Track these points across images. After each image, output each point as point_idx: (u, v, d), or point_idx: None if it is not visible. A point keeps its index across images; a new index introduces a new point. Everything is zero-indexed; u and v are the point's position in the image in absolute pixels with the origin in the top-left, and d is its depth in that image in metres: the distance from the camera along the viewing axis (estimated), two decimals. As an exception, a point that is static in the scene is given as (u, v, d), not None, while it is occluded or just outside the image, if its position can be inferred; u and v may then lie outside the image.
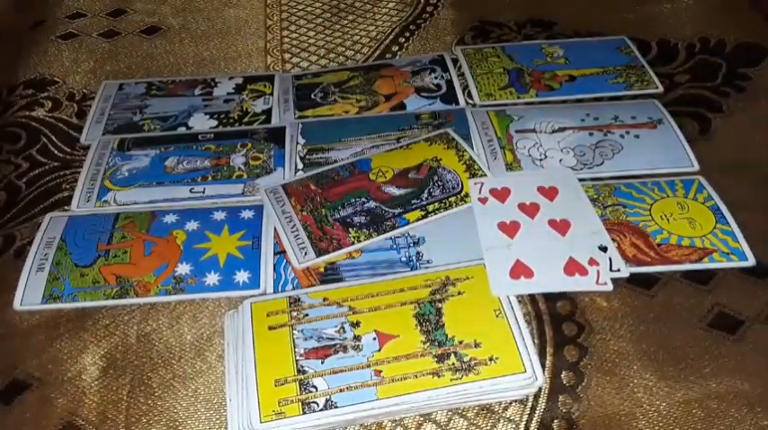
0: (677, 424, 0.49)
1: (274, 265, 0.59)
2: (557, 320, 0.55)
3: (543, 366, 0.52)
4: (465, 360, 0.50)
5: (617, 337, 0.54)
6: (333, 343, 0.52)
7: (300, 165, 0.68)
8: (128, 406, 0.51)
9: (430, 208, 0.62)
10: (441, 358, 0.50)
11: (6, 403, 0.51)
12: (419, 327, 0.52)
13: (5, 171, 0.70)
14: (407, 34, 0.87)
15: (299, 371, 0.50)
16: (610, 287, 0.56)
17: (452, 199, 0.63)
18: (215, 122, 0.74)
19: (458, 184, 0.64)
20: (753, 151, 0.69)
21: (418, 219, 0.61)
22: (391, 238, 0.60)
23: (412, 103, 0.75)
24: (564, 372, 0.52)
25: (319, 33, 0.88)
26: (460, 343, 0.51)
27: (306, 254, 0.59)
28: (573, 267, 0.57)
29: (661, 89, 0.76)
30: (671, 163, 0.67)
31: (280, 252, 0.60)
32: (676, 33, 0.84)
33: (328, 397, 0.48)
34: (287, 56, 0.85)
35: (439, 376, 0.49)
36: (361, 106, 0.75)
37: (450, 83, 0.78)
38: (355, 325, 0.53)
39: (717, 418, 0.49)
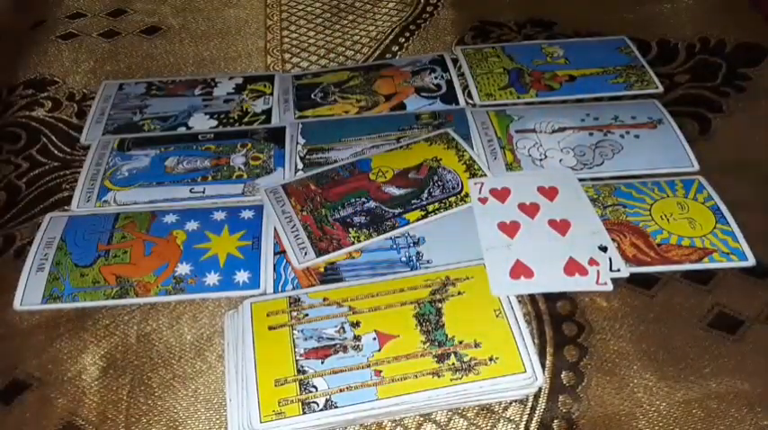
0: (677, 424, 0.49)
1: (274, 265, 0.59)
2: (557, 320, 0.55)
3: (543, 366, 0.52)
4: (465, 360, 0.50)
5: (617, 337, 0.54)
6: (333, 343, 0.52)
7: (300, 165, 0.68)
8: (128, 406, 0.51)
9: (430, 208, 0.62)
10: (441, 358, 0.50)
11: (6, 403, 0.51)
12: (419, 327, 0.52)
13: (5, 171, 0.70)
14: (407, 34, 0.87)
15: (299, 371, 0.50)
16: (610, 287, 0.56)
17: (452, 199, 0.63)
18: (215, 122, 0.74)
19: (458, 184, 0.64)
20: (753, 151, 0.69)
21: (418, 219, 0.61)
22: (391, 238, 0.60)
23: (412, 103, 0.75)
24: (564, 372, 0.52)
25: (319, 33, 0.88)
26: (460, 343, 0.51)
27: (306, 254, 0.59)
28: (573, 267, 0.57)
29: (661, 89, 0.76)
30: (671, 163, 0.67)
31: (280, 252, 0.60)
32: (676, 33, 0.84)
33: (328, 397, 0.48)
34: (287, 56, 0.85)
35: (439, 376, 0.49)
36: (361, 106, 0.75)
37: (450, 83, 0.78)
38: (355, 325, 0.53)
39: (717, 418, 0.49)
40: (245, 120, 0.74)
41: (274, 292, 0.57)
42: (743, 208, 0.62)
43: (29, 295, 0.57)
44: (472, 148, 0.68)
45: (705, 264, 0.58)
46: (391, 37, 0.87)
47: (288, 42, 0.87)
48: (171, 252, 0.60)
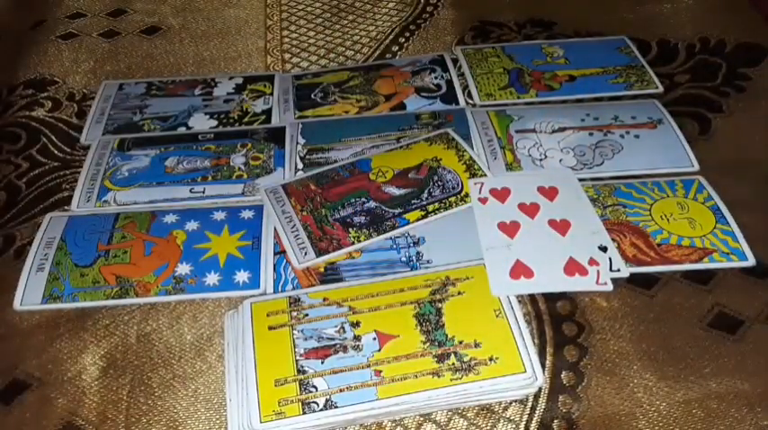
0: (677, 424, 0.49)
1: (274, 265, 0.59)
2: (557, 320, 0.55)
3: (543, 366, 0.52)
4: (465, 360, 0.50)
5: (617, 337, 0.54)
6: (333, 343, 0.52)
7: (300, 165, 0.68)
8: (128, 406, 0.51)
9: (430, 208, 0.62)
10: (441, 358, 0.50)
11: (6, 403, 0.51)
12: (419, 327, 0.52)
13: (5, 171, 0.70)
14: (407, 34, 0.87)
15: (299, 371, 0.50)
16: (610, 287, 0.56)
17: (452, 199, 0.63)
18: (215, 122, 0.74)
19: (458, 184, 0.64)
20: (753, 151, 0.69)
21: (418, 219, 0.61)
22: (391, 238, 0.60)
23: (412, 103, 0.75)
24: (564, 372, 0.52)
25: (319, 33, 0.88)
26: (460, 343, 0.51)
27: (306, 254, 0.59)
28: (573, 267, 0.57)
29: (661, 89, 0.76)
30: (671, 163, 0.67)
31: (280, 252, 0.60)
32: (676, 33, 0.84)
33: (328, 397, 0.48)
34: (287, 56, 0.85)
35: (439, 376, 0.49)
36: (361, 106, 0.75)
37: (450, 83, 0.78)
38: (355, 325, 0.53)
39: (717, 418, 0.49)
40: (245, 120, 0.74)
41: (274, 292, 0.57)
42: (743, 208, 0.62)
43: (29, 295, 0.57)
44: (472, 148, 0.68)
45: (705, 264, 0.58)
46: (391, 37, 0.87)
47: (288, 42, 0.87)
48: (171, 252, 0.60)
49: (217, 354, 0.54)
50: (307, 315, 0.54)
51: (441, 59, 0.81)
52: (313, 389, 0.49)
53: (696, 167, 0.66)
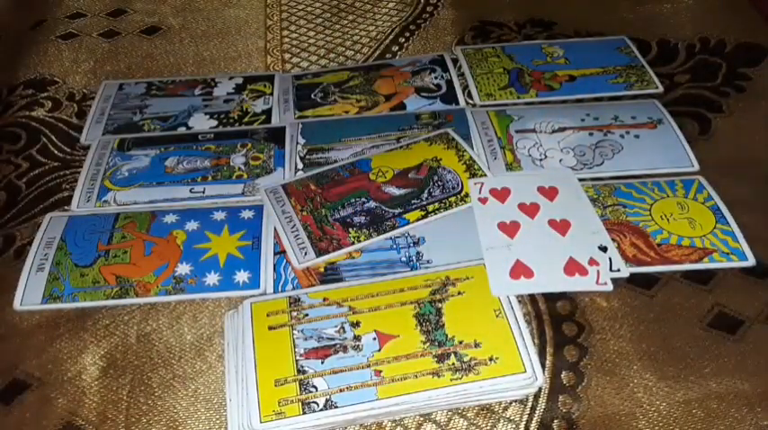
0: (677, 424, 0.49)
1: (274, 265, 0.59)
2: (557, 320, 0.55)
3: (543, 366, 0.52)
4: (465, 360, 0.50)
5: (617, 337, 0.54)
6: (333, 343, 0.52)
7: (300, 165, 0.68)
8: (128, 406, 0.51)
9: (430, 208, 0.62)
10: (441, 358, 0.50)
11: (6, 403, 0.51)
12: (419, 327, 0.52)
13: (5, 171, 0.70)
14: (407, 34, 0.87)
15: (299, 371, 0.50)
16: (610, 287, 0.56)
17: (452, 199, 0.63)
18: (215, 122, 0.74)
19: (458, 184, 0.64)
20: (753, 151, 0.70)
21: (418, 219, 0.61)
22: (391, 238, 0.60)
23: (412, 103, 0.75)
24: (564, 372, 0.52)
25: (319, 33, 0.88)
26: (460, 343, 0.51)
27: (306, 254, 0.59)
28: (573, 267, 0.57)
29: (661, 89, 0.76)
30: (671, 163, 0.67)
31: (280, 252, 0.60)
32: (676, 33, 0.84)
33: (328, 397, 0.48)
34: (287, 56, 0.85)
35: (439, 376, 0.49)
36: (361, 106, 0.75)
37: (450, 83, 0.78)
38: (355, 325, 0.53)
39: (717, 418, 0.49)
40: (245, 120, 0.74)
41: (274, 292, 0.57)
42: (743, 208, 0.62)
43: (29, 295, 0.57)
44: (472, 148, 0.68)
45: (705, 264, 0.58)
46: (391, 37, 0.87)
47: (288, 42, 0.87)
48: (171, 252, 0.60)
49: (217, 354, 0.54)
50: (307, 315, 0.54)
51: (441, 59, 0.81)
52: (313, 389, 0.49)
53: (696, 167, 0.66)
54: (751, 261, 0.58)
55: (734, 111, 0.74)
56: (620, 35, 0.84)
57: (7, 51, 0.86)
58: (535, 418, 0.50)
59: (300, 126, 0.72)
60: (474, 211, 0.62)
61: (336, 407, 0.48)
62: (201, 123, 0.74)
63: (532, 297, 0.57)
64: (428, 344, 0.51)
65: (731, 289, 0.57)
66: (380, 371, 0.50)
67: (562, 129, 0.71)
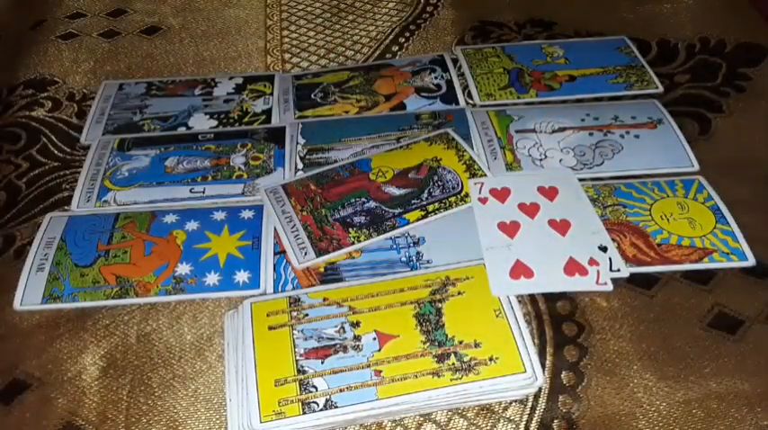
0: (677, 424, 0.49)
1: (274, 265, 0.59)
2: (557, 320, 0.55)
3: (543, 366, 0.52)
4: (465, 360, 0.50)
5: (617, 337, 0.54)
6: (333, 343, 0.52)
7: (300, 165, 0.68)
8: (128, 406, 0.51)
9: (430, 208, 0.62)
10: (441, 358, 0.50)
11: (6, 403, 0.51)
12: (419, 327, 0.52)
13: (5, 171, 0.70)
14: (407, 34, 0.87)
15: (299, 371, 0.50)
16: (610, 287, 0.56)
17: (452, 199, 0.63)
18: (215, 122, 0.74)
19: (458, 184, 0.64)
20: (753, 151, 0.70)
21: (418, 219, 0.61)
22: (391, 238, 0.60)
23: (412, 103, 0.75)
24: (564, 372, 0.52)
25: (319, 33, 0.88)
26: (460, 343, 0.51)
27: (306, 254, 0.59)
28: (573, 267, 0.57)
29: (661, 89, 0.76)
30: (671, 163, 0.67)
31: (280, 252, 0.60)
32: (676, 33, 0.84)
33: (328, 397, 0.48)
34: (287, 56, 0.85)
35: (439, 376, 0.49)
36: (361, 106, 0.75)
37: (450, 83, 0.78)
38: (355, 325, 0.53)
39: (717, 418, 0.49)
40: (245, 120, 0.74)
41: (274, 292, 0.57)
42: (743, 208, 0.62)
43: (29, 295, 0.57)
44: (472, 148, 0.68)
45: (705, 264, 0.58)
46: (391, 37, 0.87)
47: (288, 42, 0.87)
48: (171, 252, 0.60)
49: (217, 354, 0.54)
50: (307, 315, 0.54)
51: (441, 59, 0.81)
52: (313, 389, 0.49)
53: (696, 167, 0.66)
54: (751, 261, 0.58)
55: (734, 111, 0.74)
56: (620, 35, 0.84)
57: (7, 51, 0.86)
58: (535, 418, 0.50)
59: (300, 126, 0.72)
60: (474, 211, 0.62)
61: (336, 407, 0.48)
62: (201, 123, 0.74)
63: (532, 297, 0.57)
64: (428, 344, 0.51)
65: (731, 289, 0.57)
66: (380, 371, 0.50)
67: (562, 129, 0.71)
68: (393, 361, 0.50)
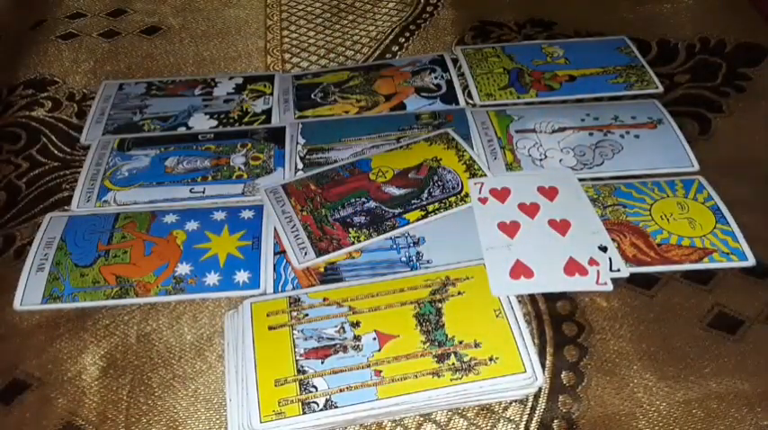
0: (677, 424, 0.49)
1: (274, 265, 0.59)
2: (557, 320, 0.55)
3: (543, 366, 0.52)
4: (465, 360, 0.50)
5: (617, 337, 0.54)
6: (333, 343, 0.52)
7: (300, 165, 0.68)
8: (128, 406, 0.51)
9: (430, 208, 0.62)
10: (441, 358, 0.50)
11: (6, 403, 0.51)
12: (419, 327, 0.52)
13: (5, 171, 0.70)
14: (407, 34, 0.87)
15: (299, 371, 0.50)
16: (610, 287, 0.56)
17: (452, 199, 0.63)
18: (215, 122, 0.74)
19: (458, 184, 0.64)
20: (753, 151, 0.70)
21: (418, 219, 0.61)
22: (391, 238, 0.60)
23: (412, 103, 0.75)
24: (564, 372, 0.52)
25: (319, 33, 0.88)
26: (460, 343, 0.51)
27: (306, 254, 0.59)
28: (573, 267, 0.57)
29: (661, 89, 0.76)
30: (671, 163, 0.67)
31: (280, 252, 0.60)
32: (676, 33, 0.84)
33: (328, 397, 0.48)
34: (287, 56, 0.85)
35: (439, 376, 0.49)
36: (361, 106, 0.75)
37: (450, 83, 0.78)
38: (355, 325, 0.53)
39: (717, 418, 0.49)
40: (245, 120, 0.74)
41: (274, 292, 0.57)
42: (743, 208, 0.62)
43: (29, 295, 0.57)
44: (472, 148, 0.68)
45: (705, 264, 0.58)
46: (391, 37, 0.87)
47: (288, 42, 0.87)
48: (171, 252, 0.60)
49: (217, 354, 0.54)
50: (307, 315, 0.54)
51: (441, 59, 0.81)
52: (313, 389, 0.49)
53: (696, 167, 0.66)
54: (751, 261, 0.58)
55: (734, 111, 0.74)
56: (620, 35, 0.84)
57: (7, 51, 0.86)
58: (535, 418, 0.50)
59: (300, 126, 0.72)
60: (474, 211, 0.62)
61: (336, 407, 0.48)
62: (201, 123, 0.74)
63: (532, 297, 0.57)
64: (428, 344, 0.51)
65: (731, 289, 0.57)
66: (380, 371, 0.50)
67: (562, 129, 0.71)
68: (393, 361, 0.50)
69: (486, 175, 0.65)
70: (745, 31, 0.84)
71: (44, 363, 0.54)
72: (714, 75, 0.78)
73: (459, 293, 0.55)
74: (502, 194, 0.63)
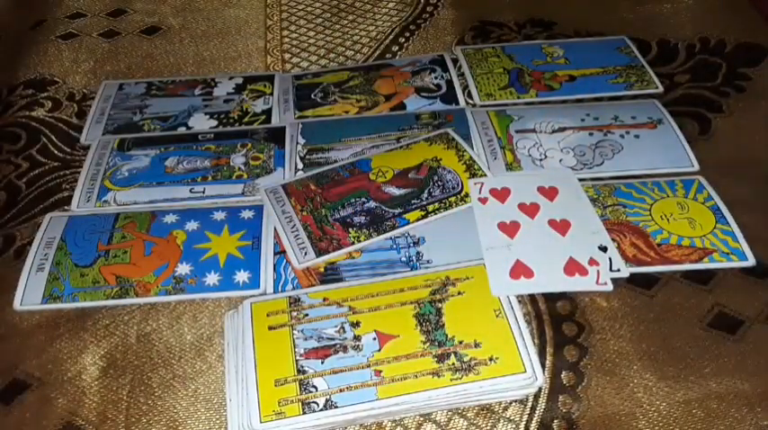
0: (677, 424, 0.49)
1: (274, 265, 0.59)
2: (557, 320, 0.55)
3: (543, 366, 0.52)
4: (465, 360, 0.50)
5: (617, 337, 0.54)
6: (333, 343, 0.52)
7: (300, 165, 0.68)
8: (128, 406, 0.51)
9: (430, 208, 0.62)
10: (441, 358, 0.50)
11: (6, 403, 0.51)
12: (419, 327, 0.52)
13: (5, 171, 0.70)
14: (407, 34, 0.87)
15: (299, 371, 0.50)
16: (610, 287, 0.56)
17: (452, 199, 0.63)
18: (215, 122, 0.74)
19: (458, 184, 0.64)
20: (753, 151, 0.70)
21: (418, 219, 0.61)
22: (391, 238, 0.60)
23: (412, 103, 0.75)
24: (564, 372, 0.52)
25: (319, 33, 0.88)
26: (460, 343, 0.51)
27: (306, 254, 0.59)
28: (573, 267, 0.57)
29: (661, 89, 0.76)
30: (671, 163, 0.67)
31: (280, 252, 0.60)
32: (676, 33, 0.84)
33: (328, 397, 0.48)
34: (287, 56, 0.85)
35: (439, 376, 0.49)
36: (361, 106, 0.75)
37: (450, 83, 0.78)
38: (355, 325, 0.53)
39: (717, 418, 0.49)
40: (245, 120, 0.74)
41: (274, 292, 0.57)
42: (743, 208, 0.62)
43: (29, 295, 0.57)
44: (472, 148, 0.68)
45: (705, 264, 0.58)
46: (391, 37, 0.87)
47: (288, 42, 0.87)
48: (171, 252, 0.60)
49: (217, 354, 0.54)
50: (307, 315, 0.54)
51: (441, 59, 0.81)
52: (313, 389, 0.49)
53: (696, 167, 0.66)
54: (751, 261, 0.58)
55: (734, 111, 0.74)
56: (620, 35, 0.84)
57: (7, 51, 0.86)
58: (535, 418, 0.50)
59: (300, 126, 0.72)
60: (474, 211, 0.62)
61: (336, 407, 0.48)
62: (201, 123, 0.74)
63: (532, 297, 0.57)
64: (428, 344, 0.51)
65: (731, 289, 0.57)
66: (380, 371, 0.50)
67: (562, 129, 0.71)
68: (393, 361, 0.50)
69: (486, 175, 0.65)
70: (745, 31, 0.84)
71: (44, 363, 0.54)
72: (714, 75, 0.78)
73: (459, 293, 0.55)
74: (502, 194, 0.63)
